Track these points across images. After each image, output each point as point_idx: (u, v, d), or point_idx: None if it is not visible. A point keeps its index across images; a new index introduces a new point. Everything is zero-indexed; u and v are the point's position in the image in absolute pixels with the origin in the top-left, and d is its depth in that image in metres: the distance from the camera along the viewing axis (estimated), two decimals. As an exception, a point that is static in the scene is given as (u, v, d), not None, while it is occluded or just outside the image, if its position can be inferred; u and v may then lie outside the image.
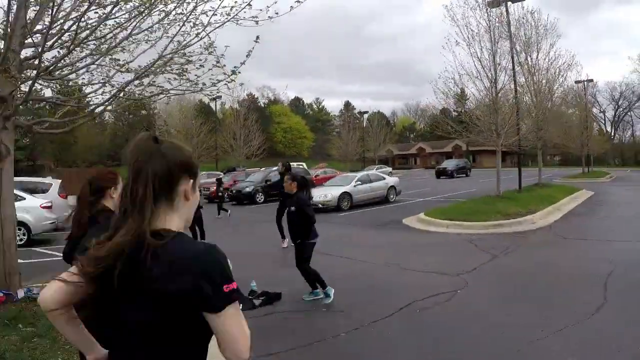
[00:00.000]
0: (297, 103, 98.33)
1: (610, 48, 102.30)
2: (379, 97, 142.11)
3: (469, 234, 11.14)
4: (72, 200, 26.24)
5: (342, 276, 7.34)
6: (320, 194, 17.67)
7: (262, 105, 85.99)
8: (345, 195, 17.74)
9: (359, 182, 18.69)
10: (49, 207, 12.25)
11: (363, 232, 12.54)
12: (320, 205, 17.28)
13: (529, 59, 19.59)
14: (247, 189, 22.71)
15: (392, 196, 19.91)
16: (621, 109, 77.56)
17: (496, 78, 16.25)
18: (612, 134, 77.74)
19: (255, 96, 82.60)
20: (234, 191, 24.64)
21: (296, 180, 6.35)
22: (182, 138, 41.45)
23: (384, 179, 20.52)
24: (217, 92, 5.26)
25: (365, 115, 65.27)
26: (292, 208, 6.22)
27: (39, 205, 11.99)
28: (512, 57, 16.89)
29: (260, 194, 22.21)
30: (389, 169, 48.75)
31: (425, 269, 7.65)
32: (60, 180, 15.71)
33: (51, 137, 67.61)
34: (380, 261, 8.51)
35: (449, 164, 44.53)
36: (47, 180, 15.99)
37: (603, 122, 76.80)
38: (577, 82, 33.56)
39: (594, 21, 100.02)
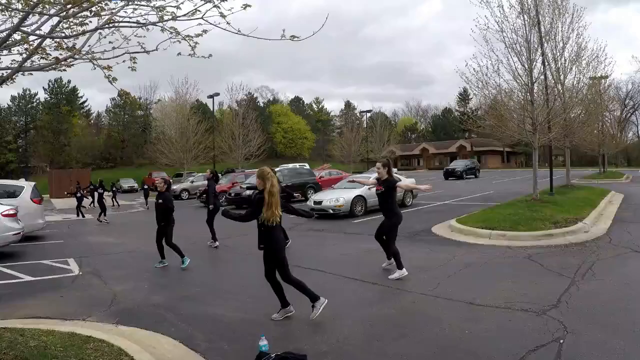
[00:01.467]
0: (297, 103, 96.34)
1: (609, 48, 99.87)
2: (377, 99, 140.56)
3: (521, 247, 9.16)
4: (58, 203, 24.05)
5: (386, 319, 5.32)
6: (331, 198, 15.62)
7: (262, 105, 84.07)
8: (359, 199, 15.67)
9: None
10: (13, 215, 10.18)
11: (390, 244, 10.45)
12: (330, 211, 15.27)
13: (557, 52, 17.58)
14: (247, 192, 20.73)
15: (408, 200, 17.95)
16: (627, 109, 75.73)
17: (531, 68, 14.40)
18: (619, 134, 75.90)
19: (255, 96, 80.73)
20: (232, 194, 22.67)
21: None
22: (178, 138, 39.62)
23: (400, 180, 18.43)
24: (204, 24, 3.23)
25: (368, 114, 63.07)
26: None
27: (0, 213, 9.93)
28: (542, 45, 14.98)
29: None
30: (395, 170, 46.64)
31: (498, 303, 5.63)
32: (34, 183, 13.65)
33: (44, 139, 65.34)
34: (433, 291, 6.32)
35: (458, 165, 42.41)
36: (20, 183, 13.84)
37: (609, 121, 75.02)
38: (592, 78, 31.85)
39: (593, 21, 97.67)
